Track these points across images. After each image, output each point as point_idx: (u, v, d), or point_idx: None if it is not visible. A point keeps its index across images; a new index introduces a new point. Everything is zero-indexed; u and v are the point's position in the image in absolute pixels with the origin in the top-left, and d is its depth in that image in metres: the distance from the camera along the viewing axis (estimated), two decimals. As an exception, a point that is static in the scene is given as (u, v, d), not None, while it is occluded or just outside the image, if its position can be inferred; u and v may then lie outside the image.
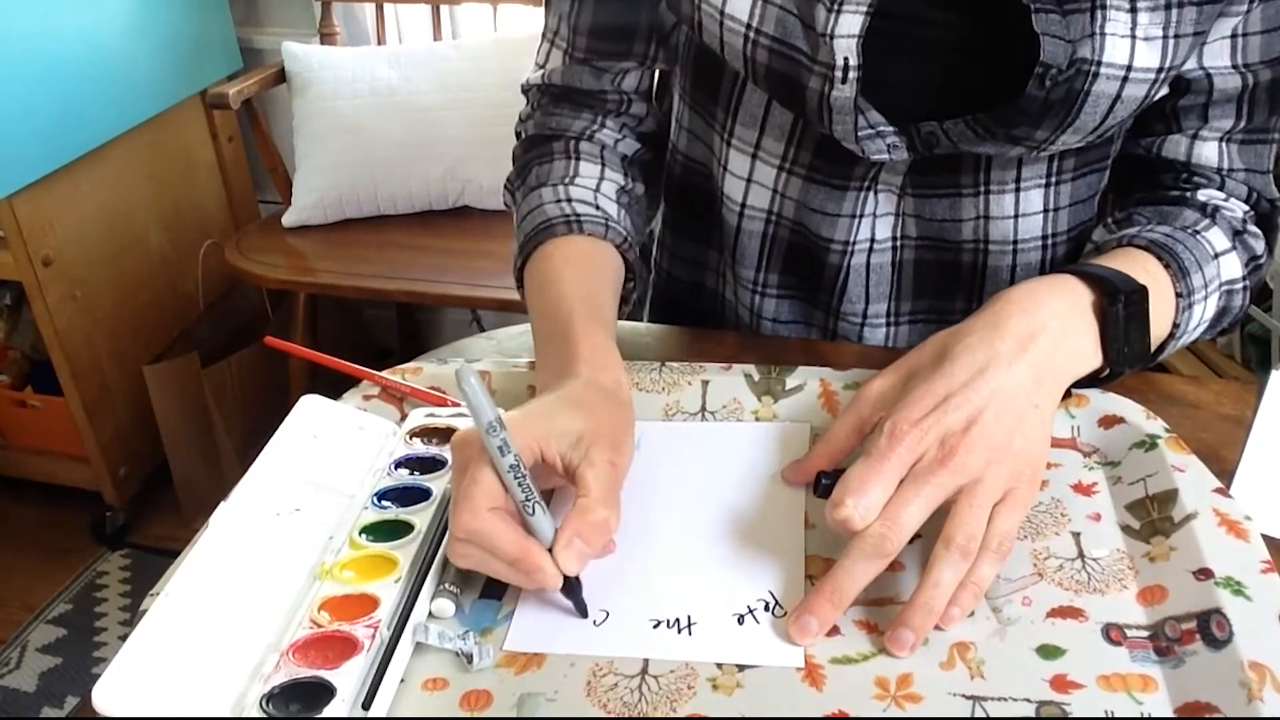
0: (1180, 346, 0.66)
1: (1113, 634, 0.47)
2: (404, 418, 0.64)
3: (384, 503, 0.56)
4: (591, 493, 0.51)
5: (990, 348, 0.53)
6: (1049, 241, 0.73)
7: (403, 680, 0.47)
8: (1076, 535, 0.53)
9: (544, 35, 0.79)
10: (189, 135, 2.00)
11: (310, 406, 0.60)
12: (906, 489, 0.49)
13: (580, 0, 0.74)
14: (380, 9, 2.00)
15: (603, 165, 0.75)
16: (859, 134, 0.65)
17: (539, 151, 0.76)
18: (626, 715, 0.45)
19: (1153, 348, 0.61)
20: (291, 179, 1.88)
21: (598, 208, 0.71)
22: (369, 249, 1.81)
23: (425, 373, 0.67)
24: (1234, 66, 0.64)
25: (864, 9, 0.61)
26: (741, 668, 0.47)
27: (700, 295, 0.84)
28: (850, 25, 0.61)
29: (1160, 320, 0.60)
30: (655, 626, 0.49)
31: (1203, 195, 0.68)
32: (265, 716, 0.44)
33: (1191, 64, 0.65)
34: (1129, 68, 0.59)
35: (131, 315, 1.89)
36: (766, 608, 0.50)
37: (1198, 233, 0.65)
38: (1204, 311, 0.64)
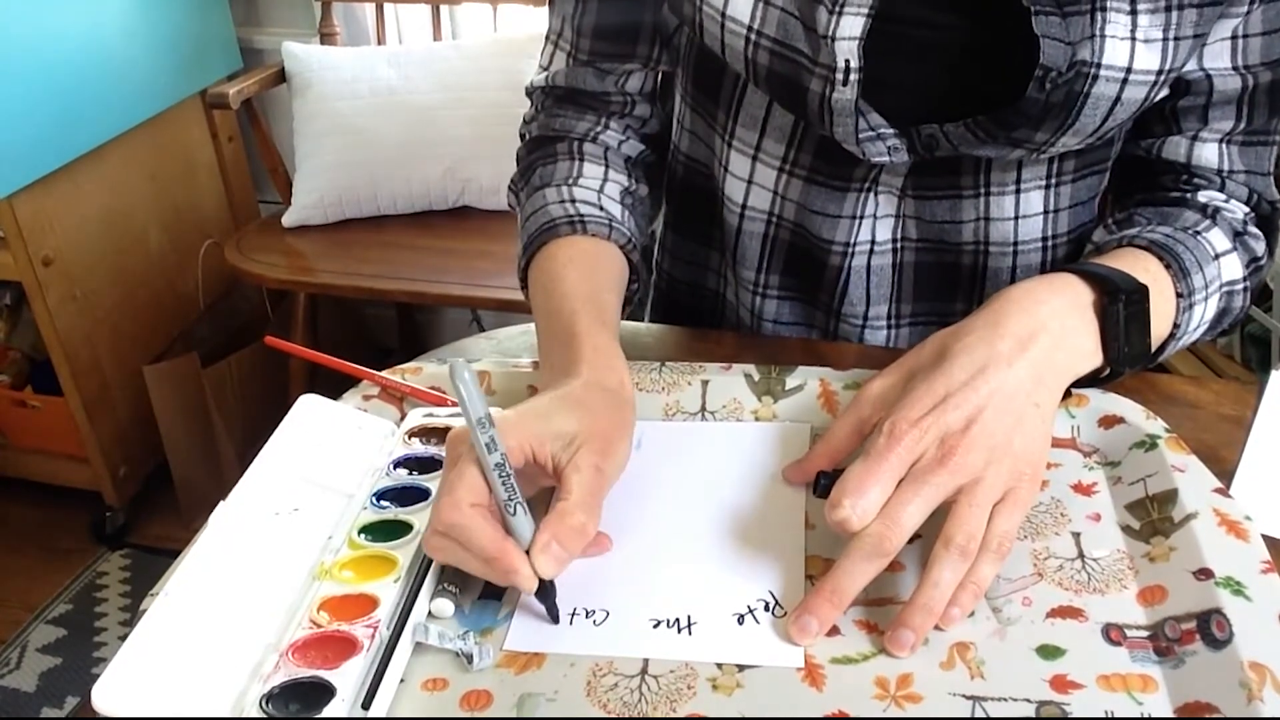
0: (1181, 347, 0.66)
1: (1113, 634, 0.47)
2: (403, 418, 0.64)
3: (383, 503, 0.56)
4: (572, 496, 0.50)
5: (990, 347, 0.53)
6: (1049, 243, 0.73)
7: (402, 680, 0.47)
8: (1076, 535, 0.53)
9: (548, 37, 0.79)
10: (189, 135, 2.00)
11: (309, 406, 0.60)
12: (905, 489, 0.49)
13: (583, 2, 0.74)
14: (380, 9, 2.00)
15: (606, 166, 0.75)
16: (860, 136, 0.65)
17: (543, 152, 0.76)
18: (626, 715, 0.45)
19: (1153, 348, 0.61)
20: (291, 179, 1.88)
21: (601, 208, 0.71)
22: (369, 249, 1.81)
23: (425, 373, 0.67)
24: (1234, 68, 0.64)
25: (865, 11, 0.61)
26: (741, 668, 0.47)
27: (701, 296, 0.84)
28: (851, 27, 0.61)
29: (1161, 320, 0.60)
30: (655, 626, 0.49)
31: (1203, 196, 0.68)
32: (265, 716, 0.44)
33: (1192, 65, 0.65)
34: (1129, 70, 0.59)
35: (131, 315, 1.89)
36: (766, 608, 0.50)
37: (1198, 233, 0.65)
38: (1205, 312, 0.64)
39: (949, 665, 0.46)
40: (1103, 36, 0.59)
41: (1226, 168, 0.68)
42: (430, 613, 0.50)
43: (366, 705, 0.45)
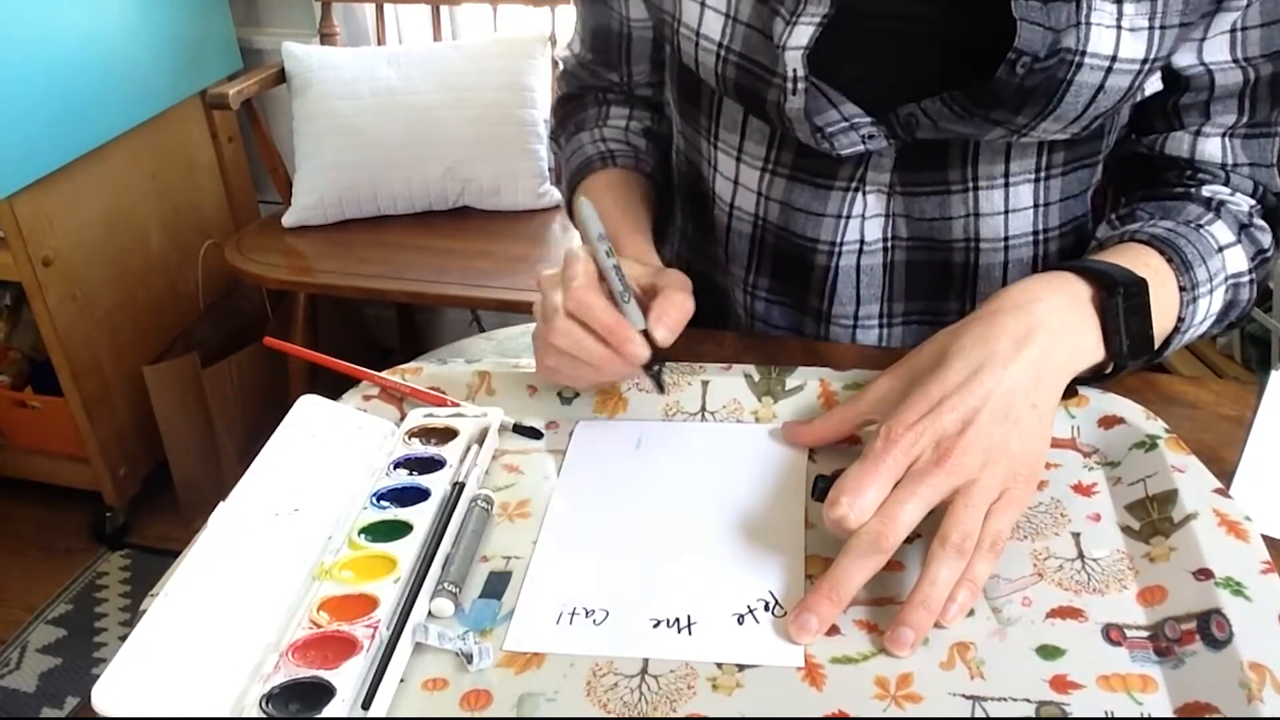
0: (1187, 341, 0.66)
1: (1113, 634, 0.47)
2: (403, 418, 0.64)
3: (383, 503, 0.56)
4: (674, 286, 0.60)
5: (986, 347, 0.53)
6: (1040, 237, 0.73)
7: (402, 680, 0.47)
8: (1076, 536, 0.53)
9: (575, 19, 0.87)
10: (189, 135, 2.00)
11: (309, 406, 0.60)
12: (902, 488, 0.49)
13: (583, 6, 0.81)
14: (380, 9, 2.00)
15: (630, 107, 0.86)
16: (830, 129, 0.66)
17: (574, 104, 0.88)
18: (626, 715, 0.45)
19: (1157, 342, 0.60)
20: (291, 179, 1.88)
21: (628, 144, 0.83)
22: (369, 249, 1.80)
23: (425, 373, 0.67)
24: (1234, 61, 0.64)
25: (816, 20, 0.62)
26: (741, 667, 0.47)
27: (712, 292, 0.85)
28: (800, 37, 0.63)
29: (1164, 314, 0.60)
30: (655, 626, 0.49)
31: (1207, 191, 0.68)
32: (265, 716, 0.44)
33: (1191, 60, 0.65)
34: (1114, 58, 0.59)
35: (131, 315, 1.89)
36: (766, 607, 0.50)
37: (1201, 226, 0.65)
38: (1210, 305, 0.64)
39: (949, 665, 0.46)
40: (1088, 24, 0.59)
41: (1230, 161, 0.68)
42: (430, 613, 0.50)
43: (366, 705, 0.45)
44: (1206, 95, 0.66)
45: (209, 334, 2.02)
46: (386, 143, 1.84)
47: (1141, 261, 0.61)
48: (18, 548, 1.95)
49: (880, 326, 0.76)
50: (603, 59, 0.84)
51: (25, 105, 1.58)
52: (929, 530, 0.50)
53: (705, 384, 0.65)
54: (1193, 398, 0.64)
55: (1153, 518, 0.53)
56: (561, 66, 0.90)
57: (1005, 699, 0.44)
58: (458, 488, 0.57)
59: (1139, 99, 0.69)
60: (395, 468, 0.59)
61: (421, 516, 0.55)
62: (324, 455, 0.58)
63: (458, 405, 0.64)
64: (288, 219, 1.87)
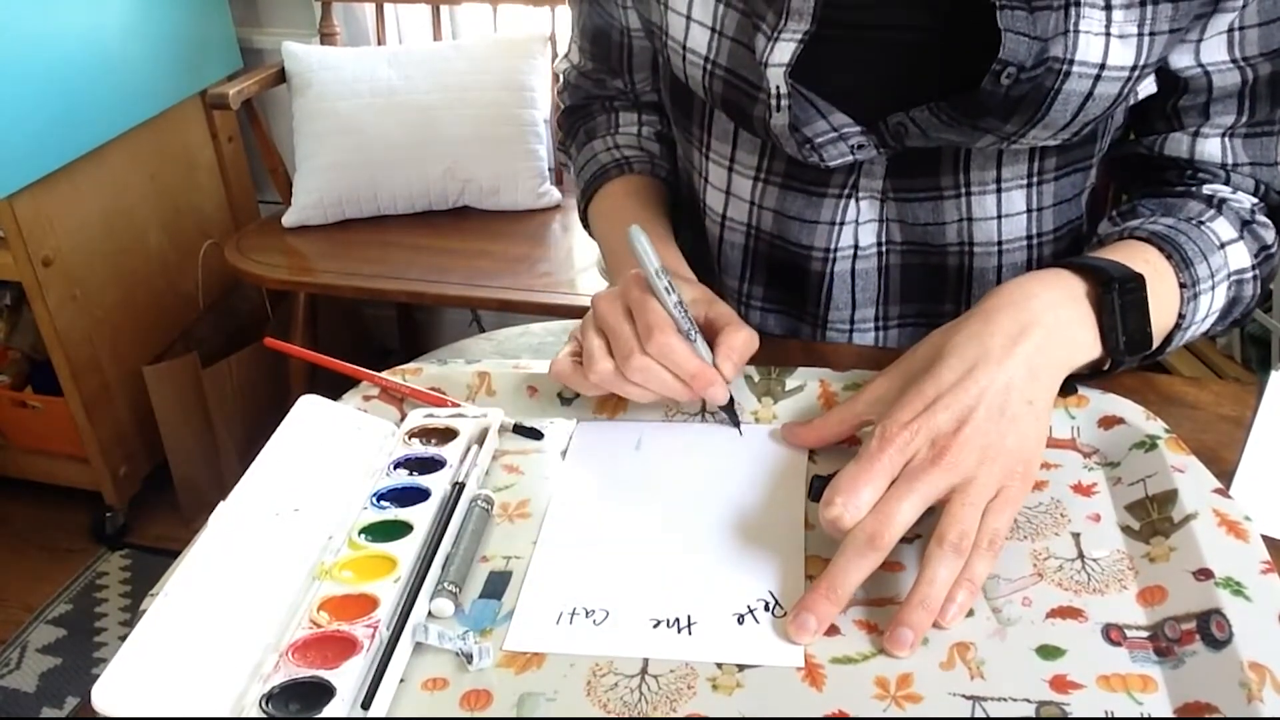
0: (1192, 338, 0.66)
1: (1112, 634, 0.47)
2: (403, 418, 0.64)
3: (383, 503, 0.56)
4: (733, 320, 0.61)
5: (981, 344, 0.53)
6: (1034, 242, 0.73)
7: (402, 680, 0.47)
8: (1076, 536, 0.53)
9: (571, 28, 0.87)
10: (189, 135, 2.00)
11: (309, 407, 0.60)
12: (899, 486, 0.49)
13: (580, 14, 0.82)
14: (380, 9, 2.00)
15: (639, 112, 0.85)
16: (819, 139, 0.66)
17: (581, 114, 0.88)
18: (626, 715, 0.45)
19: (1158, 339, 0.60)
20: (291, 179, 1.88)
21: (642, 149, 0.83)
22: (369, 249, 1.81)
23: (425, 373, 0.67)
24: (1232, 61, 0.64)
25: (798, 37, 0.62)
26: (741, 667, 0.47)
27: None
28: (781, 54, 0.63)
29: (1164, 311, 0.60)
30: (655, 626, 0.49)
31: (1208, 189, 0.68)
32: (265, 716, 0.44)
33: (1189, 61, 0.64)
34: (1102, 66, 0.59)
35: (131, 315, 1.89)
36: (766, 608, 0.50)
37: (1202, 223, 0.65)
38: (1212, 302, 0.64)
39: (949, 665, 0.46)
40: (1076, 32, 0.58)
41: (1231, 161, 0.68)
42: (430, 613, 0.50)
43: (366, 705, 0.45)
44: (1205, 96, 0.66)
45: (209, 334, 2.02)
46: (386, 143, 1.84)
47: (1140, 258, 0.61)
48: (18, 548, 1.95)
49: (876, 330, 0.77)
50: (605, 67, 0.84)
51: (25, 105, 1.58)
52: (928, 531, 0.50)
53: (705, 384, 0.65)
54: (1193, 398, 0.64)
55: (1153, 518, 0.53)
56: (562, 79, 0.90)
57: (1005, 699, 0.44)
58: (458, 488, 0.57)
59: (1132, 103, 0.69)
60: (395, 468, 0.59)
61: (421, 516, 0.55)
62: (324, 455, 0.58)
63: (458, 406, 0.64)
64: (288, 219, 1.87)
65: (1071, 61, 0.59)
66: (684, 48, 0.68)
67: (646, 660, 0.47)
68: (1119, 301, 0.56)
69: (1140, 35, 0.59)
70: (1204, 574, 0.48)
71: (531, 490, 0.59)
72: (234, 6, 2.02)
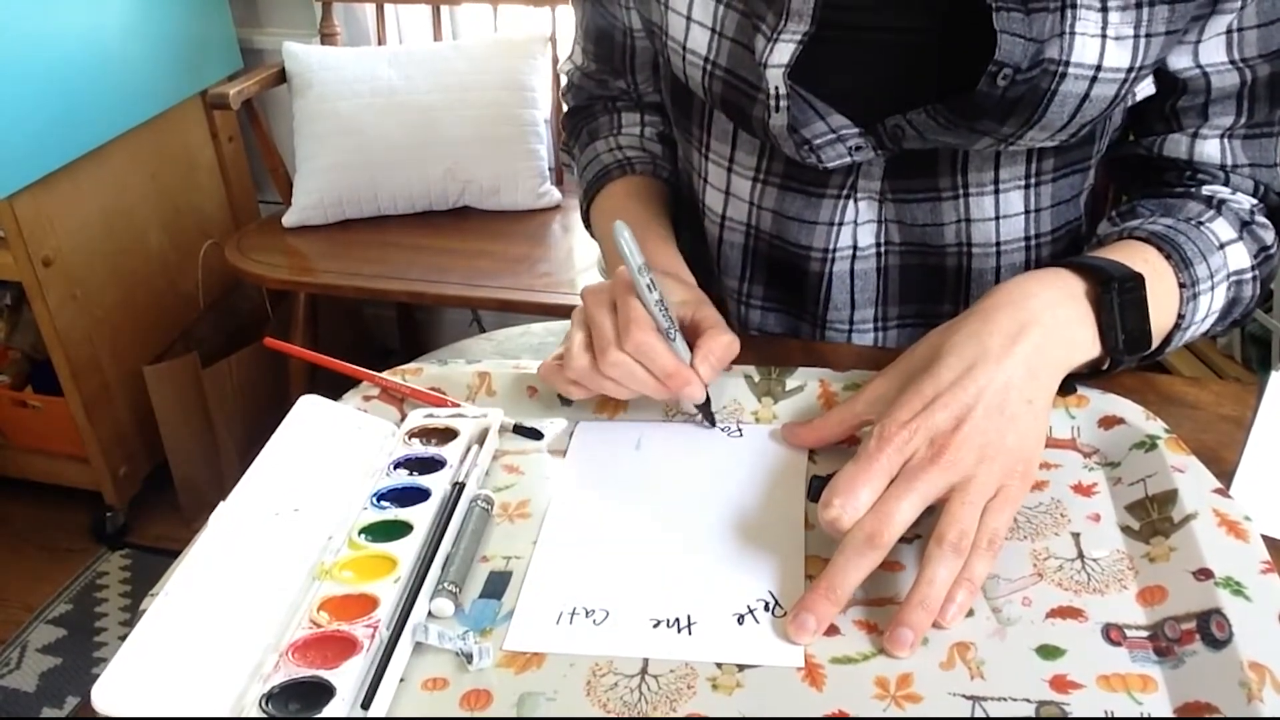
0: (1192, 338, 0.66)
1: (1112, 634, 0.47)
2: (403, 418, 0.64)
3: (383, 503, 0.56)
4: (716, 324, 0.61)
5: (979, 344, 0.53)
6: (1032, 243, 0.73)
7: (402, 680, 0.47)
8: (1076, 536, 0.53)
9: (575, 29, 0.86)
10: (189, 135, 2.00)
11: (309, 407, 0.60)
12: (898, 485, 0.49)
13: (583, 15, 0.82)
14: (380, 9, 2.00)
15: (641, 112, 0.85)
16: (817, 140, 0.66)
17: (584, 115, 0.88)
18: (626, 715, 0.45)
19: (1158, 339, 0.60)
20: (291, 179, 1.89)
21: (644, 150, 0.83)
22: (369, 249, 1.81)
23: (425, 373, 0.67)
24: (1231, 62, 0.64)
25: (797, 38, 0.62)
26: (741, 667, 0.47)
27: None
28: (781, 55, 0.63)
29: (1163, 311, 0.60)
30: (655, 626, 0.49)
31: (1207, 190, 0.68)
32: (265, 716, 0.44)
33: (1187, 62, 0.64)
34: (1098, 67, 0.59)
35: (131, 315, 1.89)
36: (766, 607, 0.50)
37: (1201, 224, 0.65)
38: (1211, 302, 0.64)
39: (949, 665, 0.46)
40: (1072, 34, 0.58)
41: (1230, 162, 0.68)
42: (430, 613, 0.50)
43: (366, 705, 0.45)
44: (1204, 97, 0.66)
45: (209, 334, 2.02)
46: (386, 143, 1.84)
47: (1140, 258, 0.61)
48: (18, 548, 1.95)
49: (875, 330, 0.77)
50: (608, 68, 0.84)
51: (25, 105, 1.58)
52: (927, 530, 0.50)
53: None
54: (1193, 398, 0.64)
55: (1153, 518, 0.53)
56: (566, 80, 0.90)
57: (1005, 699, 0.44)
58: (458, 488, 0.57)
59: (1130, 104, 0.69)
60: (395, 468, 0.59)
61: (421, 516, 0.55)
62: (324, 455, 0.58)
63: (458, 406, 0.64)
64: (288, 219, 1.87)
65: (1067, 63, 0.59)
66: (684, 48, 0.68)
67: (646, 660, 0.47)
68: (1118, 301, 0.56)
69: (1136, 37, 0.59)
70: (1204, 574, 0.48)
71: (531, 490, 0.59)
72: (234, 6, 2.02)
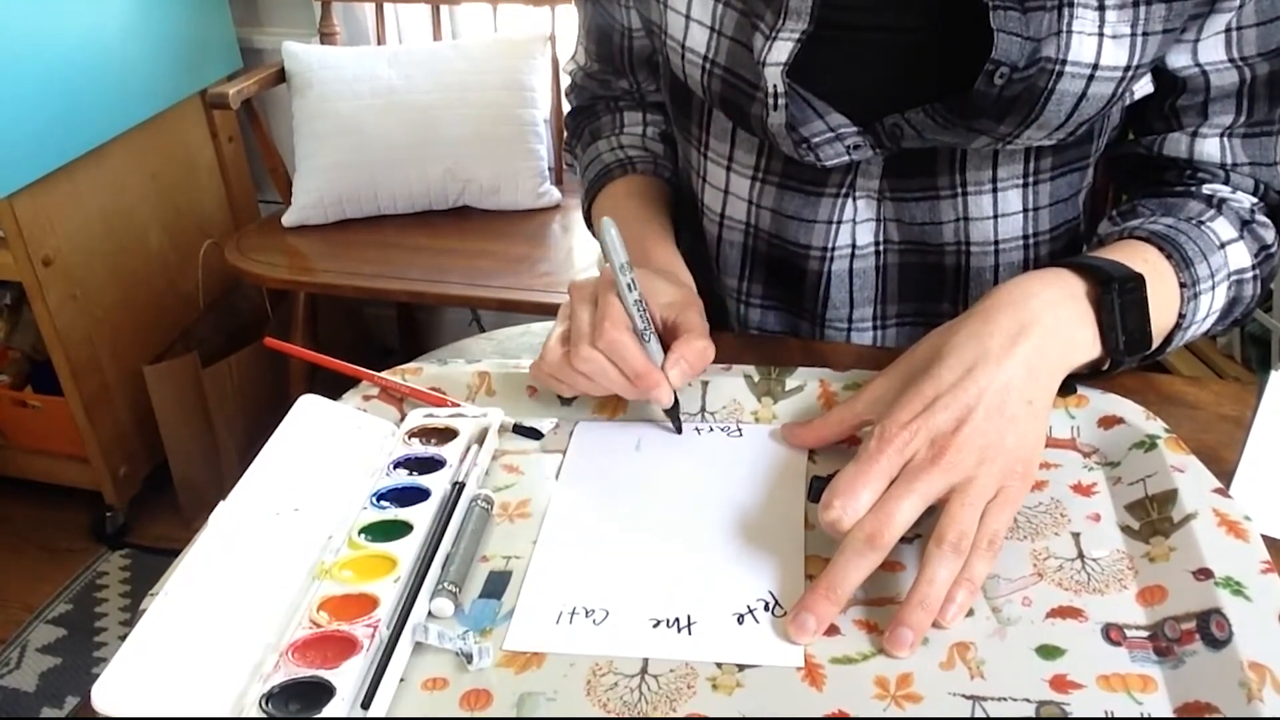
0: (1192, 337, 0.66)
1: (1112, 634, 0.47)
2: (403, 418, 0.64)
3: (383, 503, 0.56)
4: (694, 329, 0.61)
5: (980, 344, 0.53)
6: (1030, 241, 0.73)
7: (402, 680, 0.47)
8: (1076, 535, 0.53)
9: (578, 29, 0.87)
10: (189, 135, 1.99)
11: (309, 406, 0.60)
12: (898, 486, 0.49)
13: (585, 15, 0.82)
14: (380, 9, 2.00)
15: (644, 112, 0.86)
16: (815, 139, 0.66)
17: (586, 115, 0.88)
18: (626, 715, 0.45)
19: (1158, 339, 0.60)
20: (291, 179, 1.88)
21: (646, 149, 0.83)
22: (369, 249, 1.80)
23: (425, 373, 0.67)
24: (1230, 61, 0.64)
25: (795, 36, 0.62)
26: (741, 667, 0.47)
27: (707, 301, 0.85)
28: (779, 53, 0.63)
29: (1164, 311, 0.60)
30: (655, 626, 0.49)
31: (1207, 189, 0.68)
32: (265, 716, 0.44)
33: (1186, 61, 0.65)
34: (1095, 66, 0.60)
35: (131, 315, 1.89)
36: (766, 607, 0.50)
37: (1202, 223, 0.65)
38: (1212, 302, 0.64)
39: (949, 665, 0.46)
40: (1069, 32, 0.59)
41: (1230, 161, 0.68)
42: (430, 612, 0.50)
43: (366, 705, 0.45)
44: (1203, 96, 0.66)
45: (209, 334, 2.02)
46: (386, 143, 1.84)
47: (1140, 258, 0.61)
48: (18, 547, 1.95)
49: (874, 329, 0.77)
50: (610, 68, 0.84)
51: (25, 105, 1.58)
52: (928, 530, 0.50)
53: (705, 384, 0.65)
54: (1193, 398, 0.64)
55: (1152, 518, 0.53)
56: (569, 80, 0.91)
57: (1005, 699, 0.44)
58: (458, 488, 0.57)
59: (1128, 102, 0.69)
60: (395, 468, 0.59)
61: (421, 516, 0.55)
62: (324, 455, 0.58)
63: (458, 405, 0.64)
64: (288, 219, 1.87)
65: (1064, 62, 0.59)
66: (683, 47, 0.68)
67: (646, 660, 0.47)
68: (1118, 301, 0.56)
69: (1134, 35, 0.59)
70: (1204, 574, 0.48)
71: (531, 490, 0.59)
72: (234, 6, 2.02)
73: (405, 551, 0.52)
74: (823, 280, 0.74)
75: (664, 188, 0.82)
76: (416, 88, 1.84)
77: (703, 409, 0.64)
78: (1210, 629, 0.45)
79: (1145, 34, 0.59)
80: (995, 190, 0.70)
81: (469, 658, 0.47)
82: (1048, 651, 0.47)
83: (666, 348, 0.60)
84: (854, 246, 0.73)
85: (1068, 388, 0.60)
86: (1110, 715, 0.43)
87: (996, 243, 0.72)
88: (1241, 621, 0.45)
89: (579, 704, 0.45)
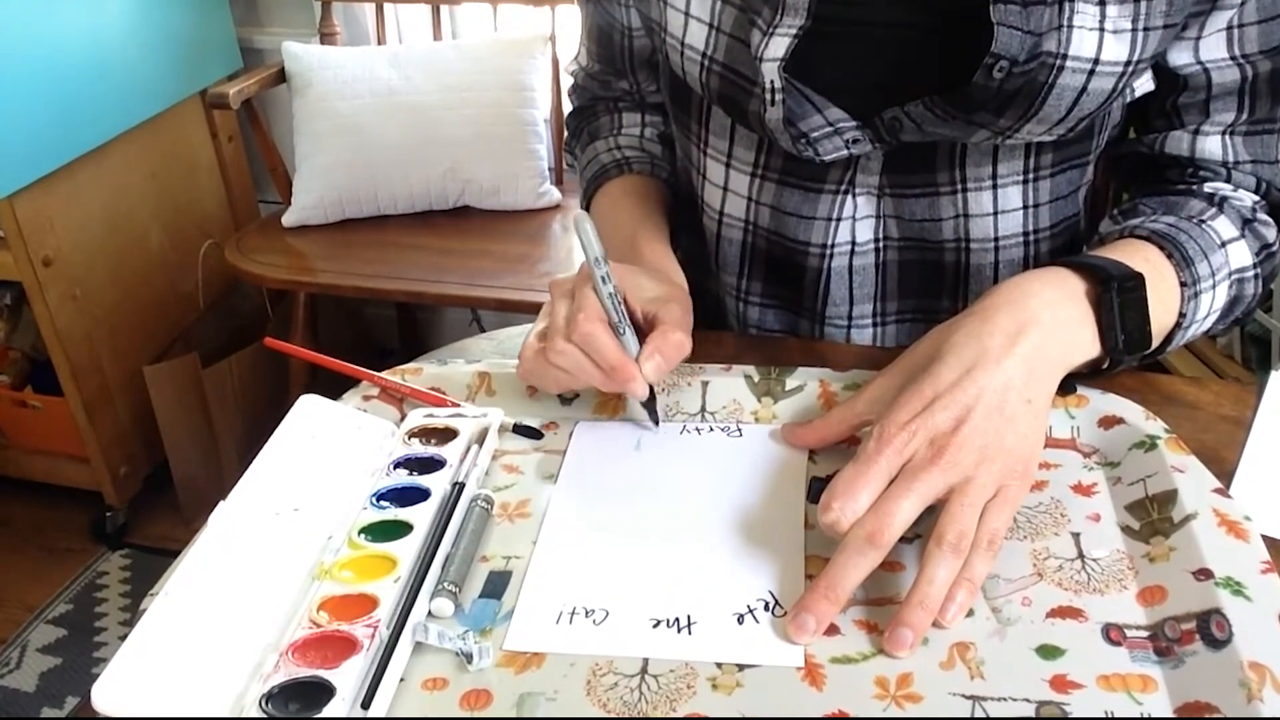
0: (1193, 337, 0.66)
1: (1112, 634, 0.47)
2: (403, 418, 0.64)
3: (383, 503, 0.56)
4: (674, 322, 0.60)
5: (979, 344, 0.53)
6: (1030, 238, 0.73)
7: (402, 680, 0.47)
8: (1076, 536, 0.53)
9: (580, 30, 0.87)
10: (189, 135, 2.00)
11: (309, 406, 0.60)
12: (898, 485, 0.49)
13: (586, 16, 0.83)
14: (380, 9, 2.00)
15: (643, 113, 0.86)
16: (814, 134, 0.66)
17: (586, 115, 0.89)
18: (626, 715, 0.45)
19: (1159, 338, 0.60)
20: (291, 179, 1.88)
21: (643, 150, 0.84)
22: (369, 249, 1.81)
23: (425, 373, 0.67)
24: (1231, 58, 0.64)
25: (793, 31, 0.63)
26: (741, 667, 0.47)
27: (705, 300, 0.85)
28: (776, 48, 0.63)
29: (1164, 310, 0.60)
30: (655, 626, 0.49)
31: (1209, 188, 0.68)
32: (265, 716, 0.44)
33: (1188, 58, 0.65)
34: (1096, 60, 0.59)
35: (131, 315, 1.89)
36: (766, 607, 0.50)
37: (1203, 222, 0.65)
38: (1213, 301, 0.64)
39: (949, 665, 0.46)
40: (1070, 27, 0.59)
41: (1231, 159, 0.68)
42: (430, 612, 0.50)
43: (366, 705, 0.45)
44: (1205, 94, 0.66)
45: (209, 334, 2.02)
46: (386, 143, 1.84)
47: (1140, 257, 0.61)
48: (18, 547, 1.95)
49: (874, 326, 0.77)
50: (610, 68, 0.84)
51: (25, 105, 1.58)
52: (927, 530, 0.50)
53: (705, 385, 0.65)
54: (1193, 398, 0.64)
55: (1153, 518, 0.53)
56: (571, 81, 0.91)
57: (1005, 699, 0.44)
58: (458, 488, 0.57)
59: (1128, 99, 0.69)
60: (395, 468, 0.59)
61: (421, 516, 0.55)
62: (324, 455, 0.58)
63: (458, 405, 0.64)
64: (288, 219, 1.87)
65: (1065, 56, 0.59)
66: (682, 44, 0.68)
67: (646, 660, 0.47)
68: (1118, 300, 0.56)
69: (1134, 30, 0.59)
70: (1204, 574, 0.48)
71: (531, 490, 0.59)
72: (234, 6, 2.02)
73: (405, 551, 0.52)
74: (822, 277, 0.74)
75: (660, 188, 0.82)
76: (417, 88, 1.84)
77: (703, 409, 0.64)
78: (1210, 629, 0.45)
79: (1146, 29, 0.59)
80: (995, 186, 0.70)
81: (469, 658, 0.47)
82: (1048, 651, 0.47)
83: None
84: (854, 243, 0.73)
85: (1068, 387, 0.60)
86: (1110, 715, 0.43)
87: (996, 239, 0.72)
88: (1241, 622, 0.45)
89: (579, 704, 0.45)
